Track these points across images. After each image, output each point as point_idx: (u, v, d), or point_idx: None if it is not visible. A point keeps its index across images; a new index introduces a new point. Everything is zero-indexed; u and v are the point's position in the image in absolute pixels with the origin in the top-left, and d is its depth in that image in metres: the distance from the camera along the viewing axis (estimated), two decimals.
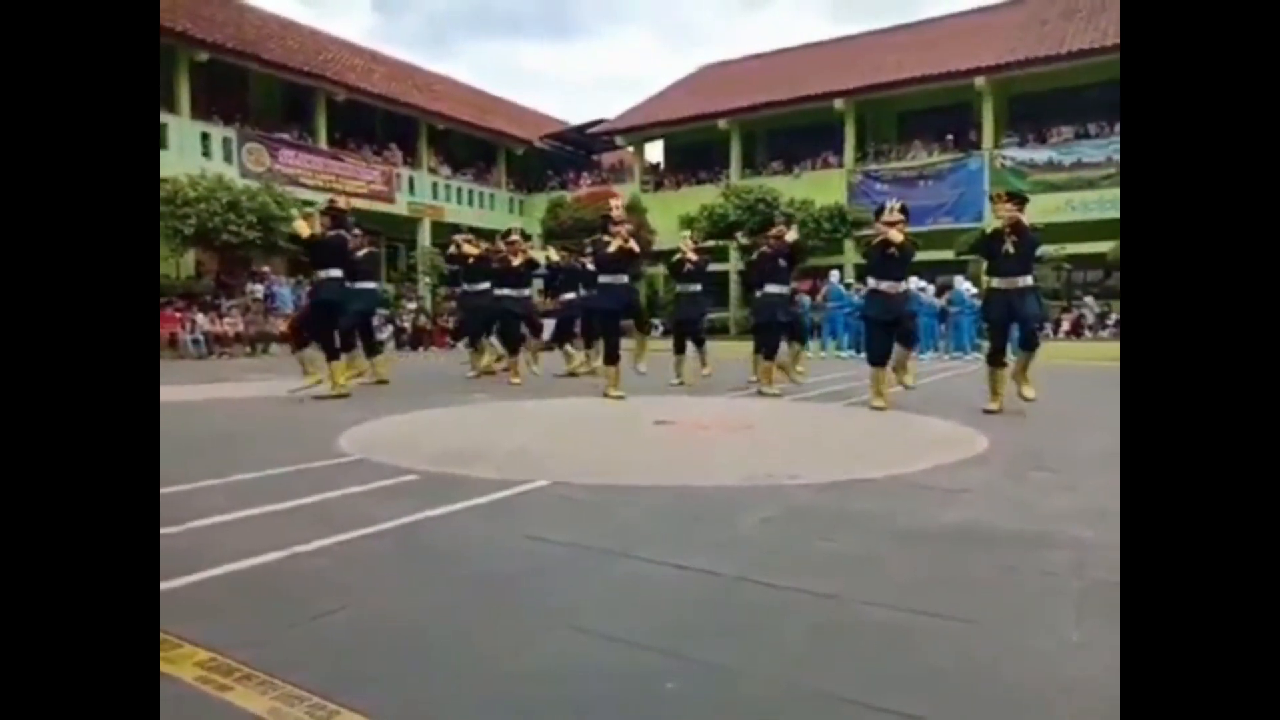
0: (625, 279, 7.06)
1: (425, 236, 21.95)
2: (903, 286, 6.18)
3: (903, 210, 6.09)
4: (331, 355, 6.99)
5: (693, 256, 8.31)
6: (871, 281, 6.18)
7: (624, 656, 1.65)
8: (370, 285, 8.47)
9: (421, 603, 1.99)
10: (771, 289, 7.27)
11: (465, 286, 9.54)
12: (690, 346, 8.36)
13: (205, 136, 17.40)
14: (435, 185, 23.07)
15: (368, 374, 8.13)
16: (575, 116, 28.11)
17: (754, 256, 8.04)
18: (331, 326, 7.09)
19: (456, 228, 14.85)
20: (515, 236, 8.81)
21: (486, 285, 8.96)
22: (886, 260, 5.99)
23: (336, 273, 6.95)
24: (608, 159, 27.88)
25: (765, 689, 1.51)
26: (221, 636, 1.70)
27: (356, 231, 8.66)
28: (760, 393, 7.11)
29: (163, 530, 2.56)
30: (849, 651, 1.70)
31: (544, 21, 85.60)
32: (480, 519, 2.80)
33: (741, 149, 22.90)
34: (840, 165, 21.20)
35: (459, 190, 23.62)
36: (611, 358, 6.83)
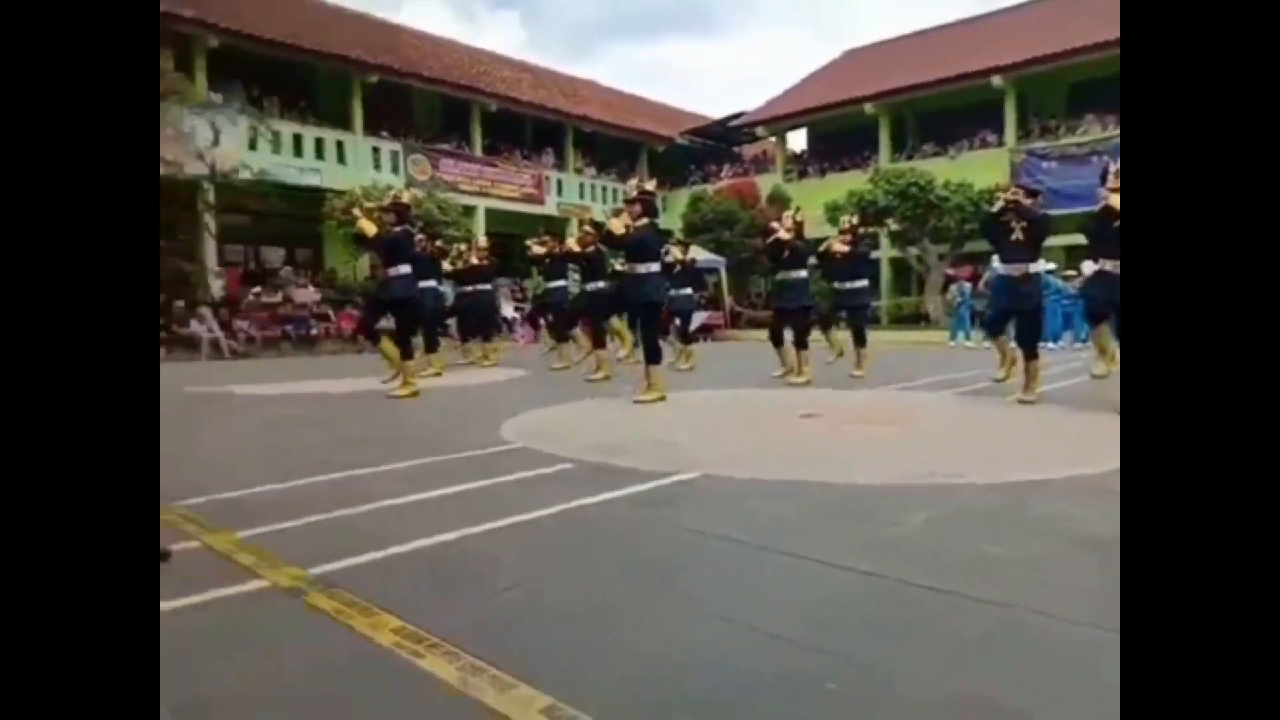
0: (657, 268, 6.28)
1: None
2: (1031, 268, 5.69)
3: (1029, 192, 5.79)
4: (405, 355, 6.84)
5: (785, 235, 7.57)
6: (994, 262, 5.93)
7: (783, 653, 1.64)
8: (431, 283, 8.92)
9: (585, 586, 2.07)
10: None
11: (546, 284, 10.18)
12: (791, 336, 7.99)
13: (375, 151, 18.97)
14: (582, 186, 23.83)
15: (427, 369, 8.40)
16: (716, 111, 28.01)
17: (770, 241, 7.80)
18: (406, 325, 7.04)
19: (600, 223, 15.22)
20: (588, 226, 9.20)
21: (562, 282, 9.63)
22: (1005, 238, 5.66)
23: (405, 269, 6.79)
24: (749, 151, 27.60)
25: (927, 694, 1.46)
26: (410, 608, 1.86)
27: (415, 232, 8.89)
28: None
29: (354, 509, 2.84)
30: (1018, 662, 1.60)
31: (683, 20, 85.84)
32: (635, 508, 2.88)
33: (891, 133, 21.91)
34: (1001, 144, 19.78)
35: (604, 189, 24.23)
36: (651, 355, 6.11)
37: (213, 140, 14.92)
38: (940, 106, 21.04)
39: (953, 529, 2.59)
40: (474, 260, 10.46)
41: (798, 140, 26.39)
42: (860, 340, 8.16)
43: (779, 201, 20.39)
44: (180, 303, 13.73)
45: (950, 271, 17.37)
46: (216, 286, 15.47)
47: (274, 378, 9.10)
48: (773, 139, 25.28)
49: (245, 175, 14.99)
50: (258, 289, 16.02)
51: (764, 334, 8.55)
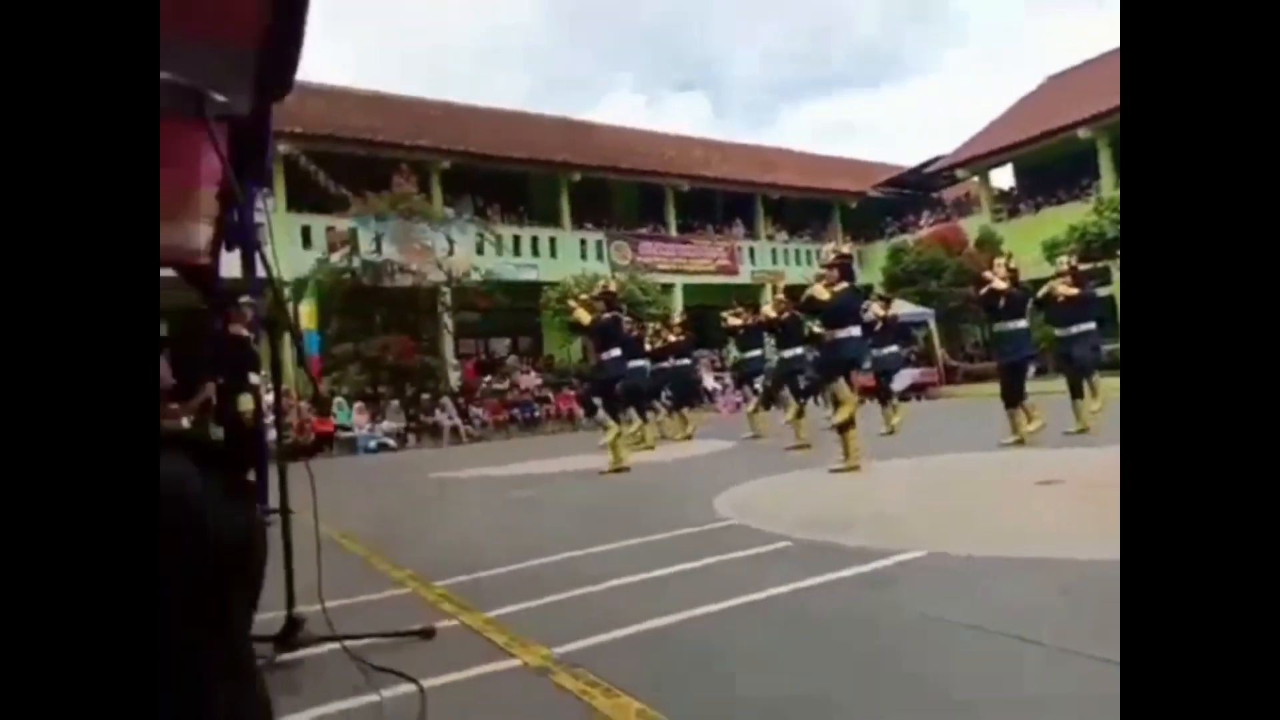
0: (857, 331, 6.35)
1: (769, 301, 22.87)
2: None
3: None
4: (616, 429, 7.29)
5: (1000, 284, 7.04)
6: None
7: None
8: (640, 363, 9.29)
9: (816, 674, 2.06)
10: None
11: (737, 355, 10.55)
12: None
13: (582, 242, 20.58)
14: (774, 251, 24.02)
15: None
16: (909, 159, 27.15)
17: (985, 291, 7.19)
18: (615, 402, 7.50)
19: (796, 289, 15.21)
20: (780, 295, 9.36)
21: (757, 352, 9.96)
22: None
23: (616, 352, 7.38)
24: (950, 194, 26.33)
25: None
26: (647, 690, 1.97)
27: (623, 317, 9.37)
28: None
29: (586, 589, 3.05)
30: None
31: (864, 72, 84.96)
32: (860, 591, 2.80)
33: (1112, 156, 19.89)
34: None
35: (797, 252, 24.22)
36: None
37: (448, 250, 17.05)
38: None
39: None
40: (670, 338, 10.93)
41: (1003, 178, 24.77)
42: (1093, 389, 7.44)
43: (988, 244, 19.15)
44: (426, 395, 15.56)
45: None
46: (454, 378, 17.37)
47: (504, 459, 9.97)
48: (975, 179, 23.94)
49: (475, 277, 16.92)
50: (489, 378, 17.76)
51: (983, 390, 8.02)
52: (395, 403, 15.10)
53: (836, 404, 6.20)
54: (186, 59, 2.39)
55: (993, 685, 1.90)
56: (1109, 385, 7.55)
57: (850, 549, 3.35)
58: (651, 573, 3.22)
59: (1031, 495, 4.49)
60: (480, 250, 18.13)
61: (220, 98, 2.26)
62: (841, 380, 6.16)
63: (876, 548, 3.30)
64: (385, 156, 17.59)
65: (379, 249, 16.19)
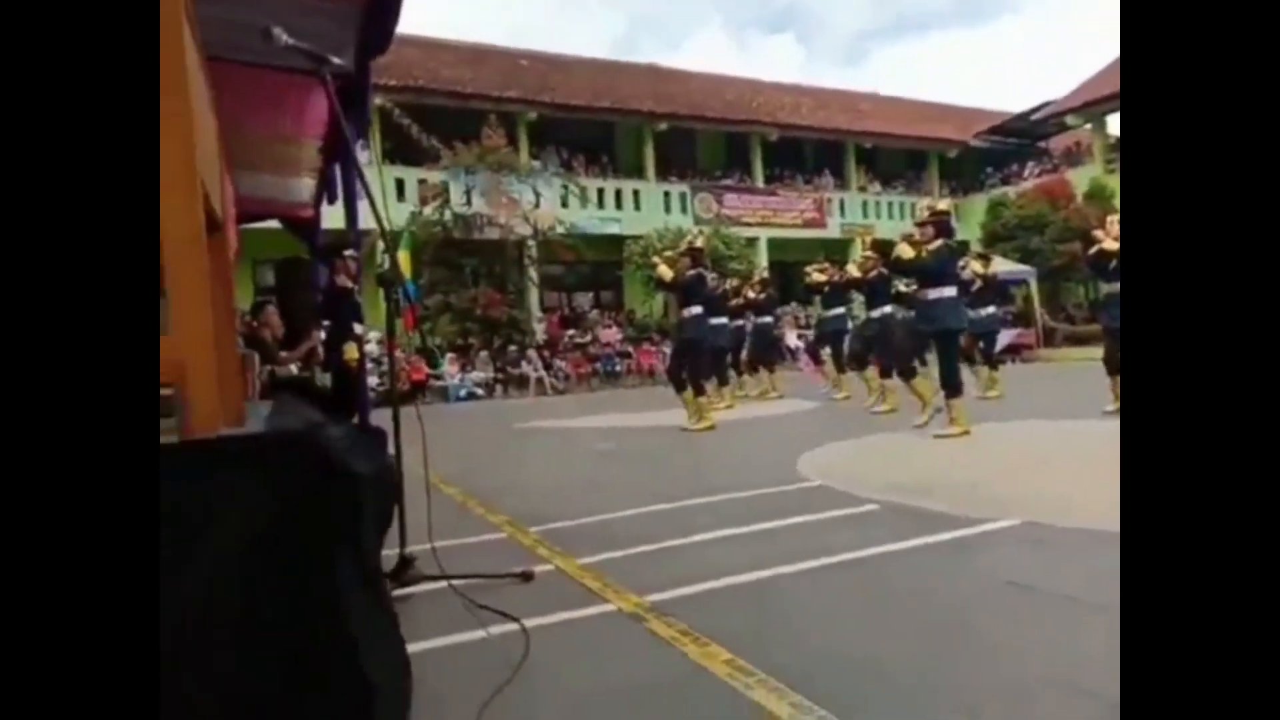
0: (953, 292, 5.98)
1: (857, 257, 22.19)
2: None
3: None
4: (698, 391, 7.29)
5: (1111, 244, 6.50)
6: None
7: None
8: (723, 320, 9.17)
9: (899, 642, 2.08)
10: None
11: (825, 313, 10.15)
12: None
13: (666, 195, 20.40)
14: (865, 204, 23.19)
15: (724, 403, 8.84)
16: (1014, 105, 25.51)
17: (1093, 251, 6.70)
18: (698, 361, 7.44)
19: (885, 244, 14.71)
20: (868, 251, 8.97)
21: (841, 310, 9.66)
22: None
23: (698, 309, 7.31)
24: (1058, 144, 24.67)
25: None
26: (735, 640, 2.04)
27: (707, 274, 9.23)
28: None
29: (673, 541, 3.14)
30: None
31: (967, 10, 79.59)
32: (947, 557, 2.79)
33: None
34: None
35: (889, 205, 23.33)
36: (952, 387, 5.77)
37: (535, 203, 17.28)
38: None
39: None
40: (751, 294, 10.79)
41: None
42: None
43: (1098, 198, 17.96)
44: (513, 347, 16.00)
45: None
46: (539, 330, 17.76)
47: (587, 412, 10.19)
48: (1088, 127, 22.32)
49: (560, 230, 17.11)
50: (572, 331, 18.08)
51: (1085, 353, 7.62)
52: (484, 353, 15.60)
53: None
54: (302, 19, 2.51)
55: (1081, 658, 1.88)
56: None
57: (939, 514, 3.32)
58: (735, 529, 3.28)
59: None
60: (565, 203, 18.27)
61: (337, 60, 2.37)
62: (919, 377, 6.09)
63: (967, 515, 3.26)
64: (474, 108, 17.83)
65: (469, 202, 16.56)
